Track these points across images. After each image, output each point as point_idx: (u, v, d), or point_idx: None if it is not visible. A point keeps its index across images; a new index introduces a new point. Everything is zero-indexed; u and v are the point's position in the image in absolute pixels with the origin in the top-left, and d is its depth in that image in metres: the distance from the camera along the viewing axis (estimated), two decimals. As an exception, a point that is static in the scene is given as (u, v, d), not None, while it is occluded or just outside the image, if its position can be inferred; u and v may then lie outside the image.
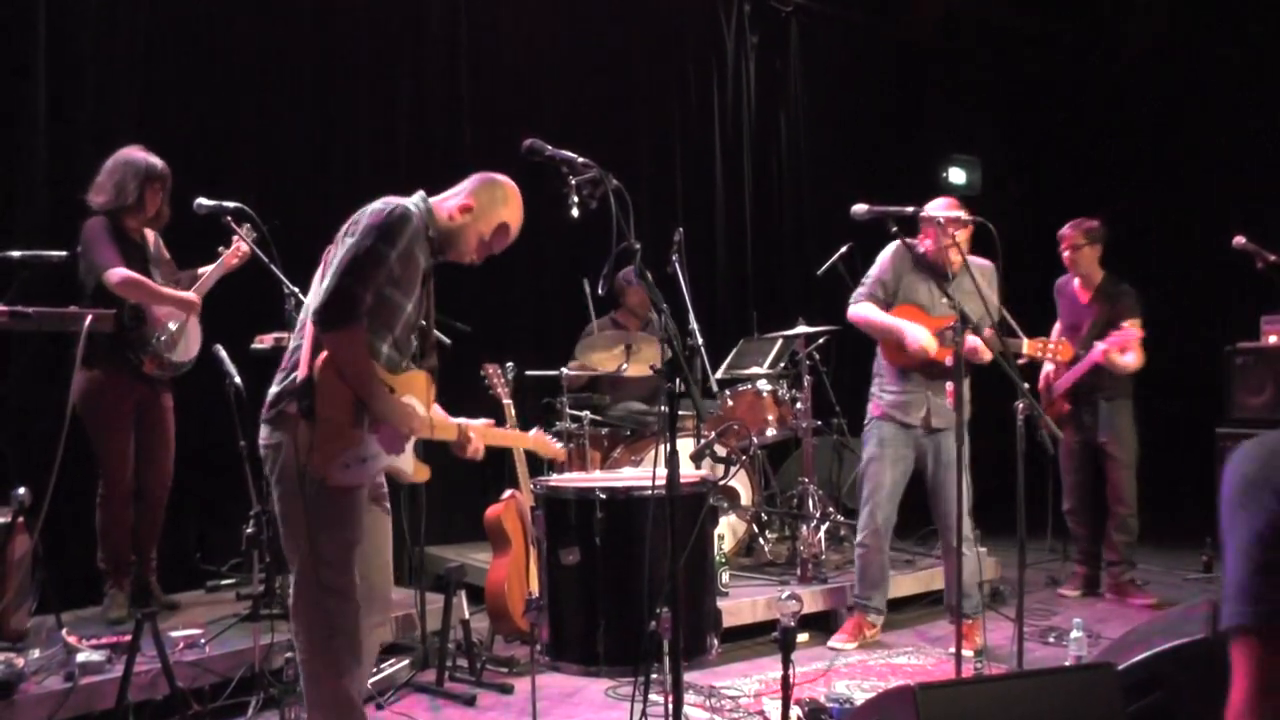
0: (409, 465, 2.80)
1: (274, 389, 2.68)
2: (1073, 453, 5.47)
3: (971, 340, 3.88)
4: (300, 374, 2.58)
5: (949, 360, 4.18)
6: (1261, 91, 7.61)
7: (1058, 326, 5.60)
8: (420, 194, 2.82)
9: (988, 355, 3.99)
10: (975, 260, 4.37)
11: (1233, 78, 7.88)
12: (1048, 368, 5.46)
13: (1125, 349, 5.16)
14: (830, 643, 4.52)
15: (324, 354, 2.54)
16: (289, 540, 2.65)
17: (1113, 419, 5.33)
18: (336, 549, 2.61)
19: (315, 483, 2.56)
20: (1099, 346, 5.15)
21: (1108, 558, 5.43)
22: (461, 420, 2.91)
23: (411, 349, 2.79)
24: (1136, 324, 5.18)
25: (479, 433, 2.93)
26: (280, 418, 2.63)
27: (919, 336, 4.26)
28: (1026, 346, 4.23)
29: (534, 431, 3.35)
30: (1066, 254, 5.41)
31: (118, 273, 3.92)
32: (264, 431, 2.67)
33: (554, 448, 3.34)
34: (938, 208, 4.28)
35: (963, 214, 4.16)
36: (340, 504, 2.61)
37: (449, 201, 2.85)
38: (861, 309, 4.47)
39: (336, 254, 2.62)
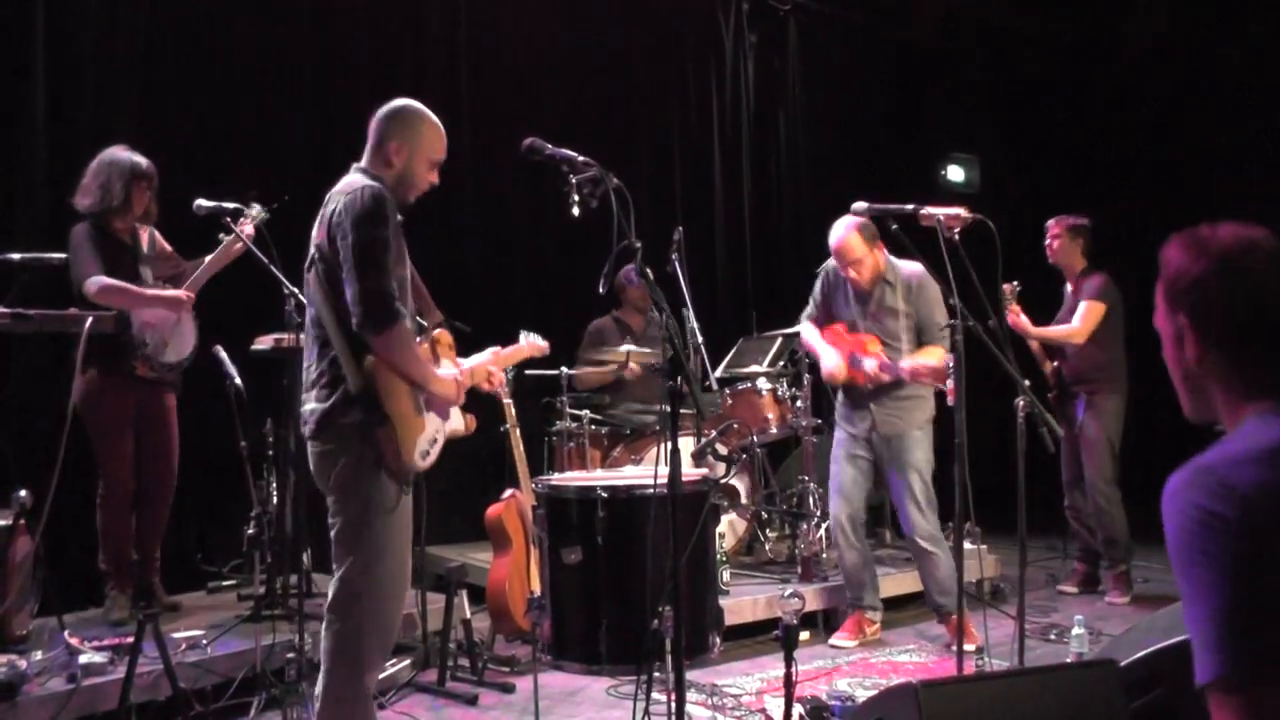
0: (459, 422, 2.91)
1: (319, 405, 2.64)
2: (1070, 449, 5.46)
3: (869, 365, 4.25)
4: (351, 384, 2.59)
5: (864, 381, 4.34)
6: (1261, 91, 7.61)
7: None
8: (354, 167, 2.84)
9: (885, 377, 4.24)
10: (906, 270, 4.39)
11: (1233, 78, 7.88)
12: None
13: (1084, 317, 5.15)
14: (831, 641, 4.52)
15: (370, 357, 2.57)
16: (343, 544, 2.65)
17: (1088, 414, 5.31)
18: (397, 551, 2.67)
19: (401, 483, 2.64)
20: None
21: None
22: (475, 363, 2.98)
23: (412, 307, 2.82)
24: (1098, 307, 5.19)
25: (496, 362, 3.04)
26: (339, 428, 2.61)
27: (827, 363, 4.42)
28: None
29: (522, 338, 3.38)
30: (1047, 244, 5.46)
31: (94, 282, 3.84)
32: (316, 445, 2.67)
33: (540, 345, 3.37)
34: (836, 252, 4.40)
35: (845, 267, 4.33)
36: (405, 502, 2.69)
37: (378, 156, 2.86)
38: (802, 329, 4.71)
39: (340, 260, 2.59)
